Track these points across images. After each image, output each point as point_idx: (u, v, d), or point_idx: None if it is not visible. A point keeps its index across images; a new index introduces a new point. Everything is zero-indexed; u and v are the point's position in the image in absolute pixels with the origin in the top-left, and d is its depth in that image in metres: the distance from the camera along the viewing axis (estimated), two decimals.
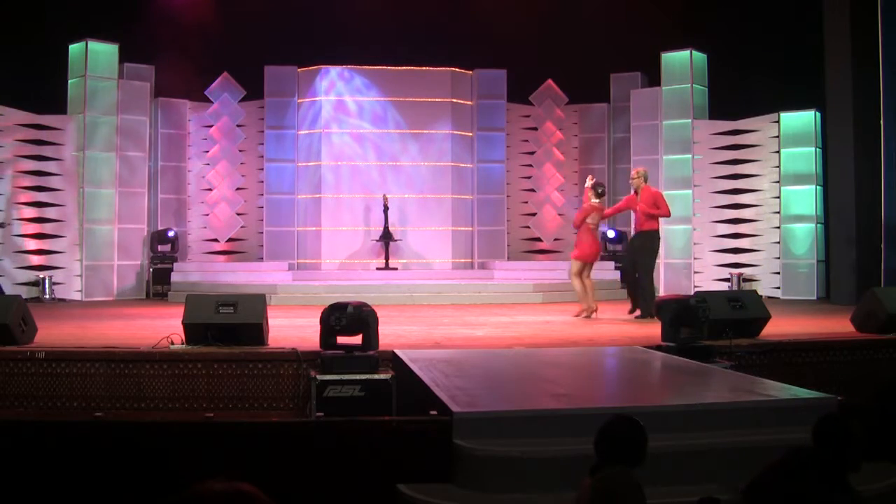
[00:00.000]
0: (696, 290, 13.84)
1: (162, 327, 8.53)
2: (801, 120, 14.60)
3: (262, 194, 16.50)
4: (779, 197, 14.72)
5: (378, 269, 15.89)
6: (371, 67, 16.44)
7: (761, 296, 9.43)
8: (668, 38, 15.20)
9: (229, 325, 7.67)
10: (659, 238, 11.27)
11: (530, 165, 17.24)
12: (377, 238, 15.93)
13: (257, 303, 7.91)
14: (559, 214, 16.90)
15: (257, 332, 7.72)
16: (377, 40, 15.95)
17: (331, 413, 6.44)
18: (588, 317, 10.92)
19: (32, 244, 14.28)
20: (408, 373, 6.67)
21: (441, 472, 4.87)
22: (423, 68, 16.42)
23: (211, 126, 16.25)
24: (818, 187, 14.41)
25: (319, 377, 7.01)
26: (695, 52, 15.27)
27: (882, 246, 12.66)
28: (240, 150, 16.39)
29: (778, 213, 14.72)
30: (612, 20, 15.18)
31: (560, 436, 4.96)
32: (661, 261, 14.37)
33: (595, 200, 11.15)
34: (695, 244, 15.14)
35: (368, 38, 15.90)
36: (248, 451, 4.94)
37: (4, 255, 13.94)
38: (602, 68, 16.53)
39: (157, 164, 15.91)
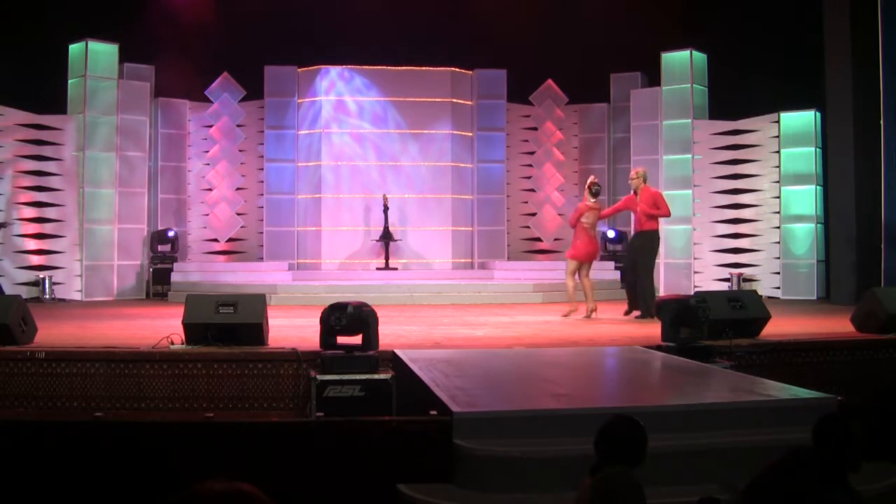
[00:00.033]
0: (696, 290, 13.84)
1: (162, 327, 8.53)
2: (801, 120, 14.60)
3: (262, 194, 16.51)
4: (779, 197, 14.72)
5: (378, 269, 15.89)
6: (371, 67, 16.44)
7: (761, 296, 9.44)
8: (668, 38, 15.20)
9: (229, 325, 7.67)
10: (659, 238, 11.28)
11: (530, 165, 17.25)
12: (377, 238, 15.93)
13: (257, 303, 7.91)
14: (559, 214, 16.90)
15: (257, 332, 7.72)
16: (377, 40, 15.95)
17: (331, 413, 6.44)
18: (588, 317, 10.92)
19: (32, 244, 14.28)
20: (408, 373, 6.67)
21: (441, 472, 4.87)
22: (423, 68, 16.42)
23: (211, 126, 16.25)
24: (818, 187, 14.41)
25: (319, 377, 7.01)
26: (695, 52, 15.27)
27: (882, 246, 12.66)
28: (240, 150, 16.39)
29: (778, 213, 14.72)
30: (612, 20, 15.18)
31: (560, 436, 4.96)
32: (661, 261, 14.38)
33: (591, 200, 11.16)
34: (695, 244, 15.14)
35: (368, 38, 15.90)
36: (248, 451, 4.94)
37: (4, 255, 13.94)
38: (602, 68, 16.54)
39: (156, 164, 15.91)
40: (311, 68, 16.43)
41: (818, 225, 14.38)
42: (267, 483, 2.27)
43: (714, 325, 7.96)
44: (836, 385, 7.47)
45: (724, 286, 14.56)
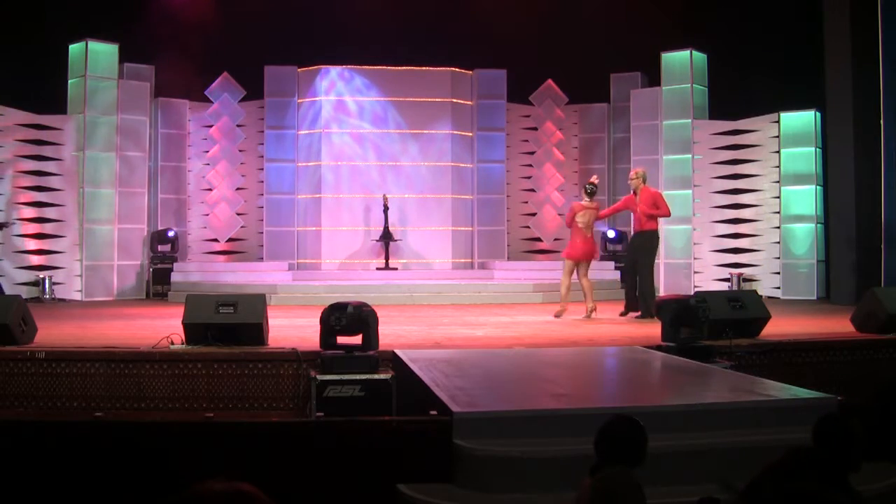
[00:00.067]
0: (696, 290, 13.84)
1: (162, 327, 8.53)
2: (801, 120, 14.60)
3: (262, 194, 16.50)
4: (779, 197, 14.72)
5: (378, 269, 15.89)
6: (371, 67, 16.44)
7: (761, 296, 9.44)
8: (668, 38, 15.19)
9: (229, 325, 7.67)
10: (658, 238, 11.30)
11: (530, 165, 17.25)
12: (377, 238, 15.93)
13: (257, 303, 7.91)
14: (559, 214, 16.88)
15: (257, 332, 7.72)
16: (377, 40, 15.95)
17: (331, 413, 6.44)
18: (588, 316, 10.92)
19: (32, 244, 14.28)
20: (408, 373, 6.67)
21: (441, 472, 4.87)
22: (423, 68, 16.42)
23: (211, 126, 16.25)
24: (818, 187, 14.41)
25: (319, 377, 7.01)
26: (695, 52, 15.26)
27: (882, 246, 12.66)
28: (240, 150, 16.39)
29: (778, 213, 14.71)
30: (612, 20, 15.18)
31: (560, 436, 4.96)
32: (661, 261, 14.39)
33: (586, 200, 11.17)
34: (695, 244, 15.14)
35: (368, 38, 15.90)
36: (248, 451, 4.94)
37: (4, 255, 13.94)
38: (602, 68, 16.54)
39: (156, 164, 15.91)
40: (311, 68, 16.43)
41: (818, 225, 14.38)
42: (267, 483, 2.27)
43: (714, 325, 7.96)
44: (836, 385, 7.47)
45: (724, 286, 14.56)
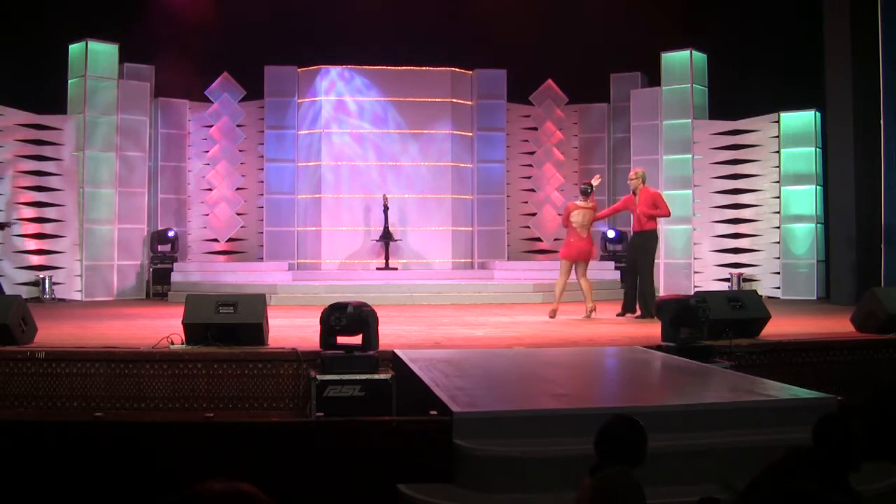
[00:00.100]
0: (696, 290, 13.84)
1: (162, 327, 8.53)
2: (801, 120, 14.60)
3: (262, 194, 16.50)
4: (779, 197, 14.71)
5: (378, 269, 15.89)
6: (371, 67, 16.44)
7: (761, 296, 9.44)
8: (668, 38, 15.19)
9: (229, 325, 7.67)
10: (657, 238, 11.31)
11: (530, 165, 17.25)
12: (377, 238, 15.93)
13: (257, 303, 7.91)
14: (559, 214, 16.88)
15: (257, 332, 7.72)
16: (377, 40, 15.95)
17: (331, 413, 6.44)
18: (587, 316, 10.93)
19: (32, 244, 14.28)
20: (408, 373, 6.67)
21: (441, 472, 4.87)
22: (423, 68, 16.42)
23: (211, 126, 16.25)
24: (818, 187, 14.41)
25: (319, 377, 7.01)
26: (695, 52, 15.26)
27: (882, 246, 12.66)
28: (240, 150, 16.39)
29: (778, 213, 14.71)
30: (612, 20, 15.18)
31: (560, 436, 4.96)
32: (660, 261, 14.40)
33: (580, 200, 11.19)
34: (695, 244, 15.14)
35: (368, 38, 15.90)
36: (248, 451, 4.94)
37: (4, 255, 13.94)
38: (602, 68, 16.54)
39: (156, 164, 15.91)
40: (311, 68, 16.43)
41: (818, 225, 14.37)
42: (267, 483, 2.27)
43: (714, 325, 7.96)
44: (836, 385, 7.47)
45: (724, 286, 14.56)
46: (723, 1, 15.02)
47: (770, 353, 7.89)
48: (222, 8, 15.00)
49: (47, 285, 13.91)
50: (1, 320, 7.45)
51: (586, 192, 11.22)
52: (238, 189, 16.32)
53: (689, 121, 15.19)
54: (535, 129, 17.21)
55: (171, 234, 15.36)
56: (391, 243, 15.86)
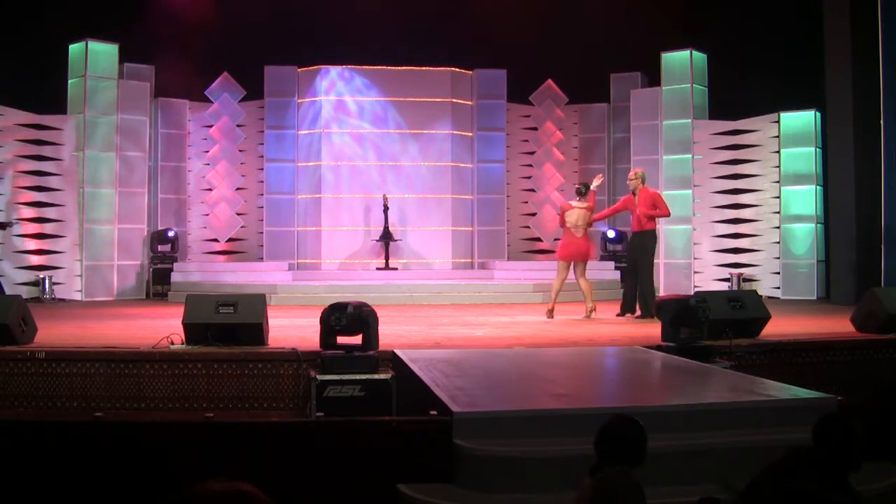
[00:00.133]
0: (696, 290, 13.84)
1: (162, 327, 8.53)
2: (801, 120, 14.60)
3: (262, 194, 16.51)
4: (779, 197, 14.72)
5: (378, 269, 15.89)
6: (371, 67, 16.44)
7: (761, 296, 9.44)
8: (668, 38, 15.19)
9: (229, 325, 7.67)
10: (656, 237, 11.32)
11: (530, 165, 17.25)
12: (377, 238, 15.93)
13: (257, 303, 7.91)
14: (559, 215, 16.88)
15: (257, 332, 7.72)
16: (377, 40, 15.95)
17: (331, 413, 6.44)
18: (587, 316, 10.93)
19: (32, 244, 14.28)
20: (408, 373, 6.67)
21: (441, 472, 4.87)
22: (423, 68, 16.42)
23: (211, 126, 16.25)
24: (818, 187, 14.41)
25: (319, 377, 7.01)
26: (695, 52, 15.26)
27: (882, 246, 12.66)
28: (240, 150, 16.39)
29: (778, 213, 14.71)
30: (612, 20, 15.18)
31: (560, 436, 4.96)
32: (660, 261, 14.40)
33: (575, 200, 11.21)
34: (695, 244, 15.14)
35: (368, 38, 15.90)
36: (248, 451, 4.94)
37: (4, 255, 13.94)
38: (602, 68, 16.54)
39: (156, 164, 15.91)
40: (311, 68, 16.43)
41: (818, 225, 14.37)
42: (267, 483, 2.27)
43: (714, 325, 7.96)
44: (836, 385, 7.47)
45: (724, 286, 14.56)
46: (723, 1, 15.02)
47: (770, 353, 7.89)
48: (222, 8, 15.00)
49: (47, 285, 13.91)
50: (1, 320, 7.45)
51: (581, 193, 11.25)
52: (238, 189, 16.33)
53: (689, 121, 15.19)
54: (535, 129, 17.21)
55: (171, 234, 15.36)
56: (391, 243, 15.86)
